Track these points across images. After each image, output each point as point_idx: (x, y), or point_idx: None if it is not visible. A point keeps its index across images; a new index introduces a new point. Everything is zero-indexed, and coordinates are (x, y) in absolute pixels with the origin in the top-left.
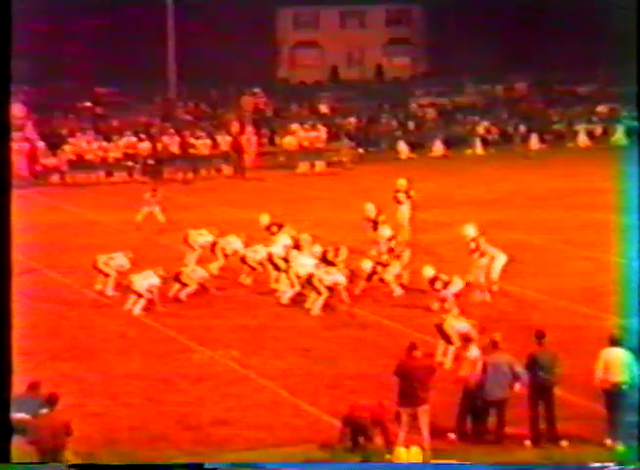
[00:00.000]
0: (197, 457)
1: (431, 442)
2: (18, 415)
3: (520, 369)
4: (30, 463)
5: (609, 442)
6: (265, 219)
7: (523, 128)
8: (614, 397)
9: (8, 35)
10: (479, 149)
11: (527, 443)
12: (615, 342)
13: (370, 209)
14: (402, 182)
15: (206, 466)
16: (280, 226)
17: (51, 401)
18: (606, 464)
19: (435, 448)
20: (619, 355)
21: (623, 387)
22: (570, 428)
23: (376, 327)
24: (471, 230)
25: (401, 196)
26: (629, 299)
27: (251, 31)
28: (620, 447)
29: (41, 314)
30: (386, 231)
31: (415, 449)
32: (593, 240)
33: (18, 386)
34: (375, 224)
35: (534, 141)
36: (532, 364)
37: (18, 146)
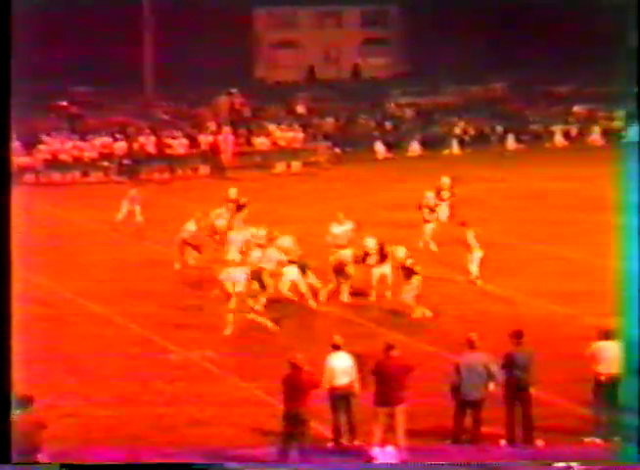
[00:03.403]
0: (172, 458)
1: (406, 441)
2: None
3: (495, 369)
4: (30, 463)
5: (587, 439)
6: (263, 232)
7: (499, 129)
8: (606, 390)
9: (8, 35)
10: (455, 149)
11: (503, 442)
12: (605, 335)
13: (371, 244)
14: (446, 180)
15: (207, 466)
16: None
17: (25, 403)
18: (570, 463)
19: (411, 448)
20: (611, 348)
21: (617, 379)
22: (546, 427)
23: (349, 327)
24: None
25: (445, 194)
26: (610, 297)
27: (228, 31)
28: (599, 442)
29: (15, 315)
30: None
31: (390, 449)
32: (569, 239)
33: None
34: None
35: (511, 141)
36: (509, 364)
37: None
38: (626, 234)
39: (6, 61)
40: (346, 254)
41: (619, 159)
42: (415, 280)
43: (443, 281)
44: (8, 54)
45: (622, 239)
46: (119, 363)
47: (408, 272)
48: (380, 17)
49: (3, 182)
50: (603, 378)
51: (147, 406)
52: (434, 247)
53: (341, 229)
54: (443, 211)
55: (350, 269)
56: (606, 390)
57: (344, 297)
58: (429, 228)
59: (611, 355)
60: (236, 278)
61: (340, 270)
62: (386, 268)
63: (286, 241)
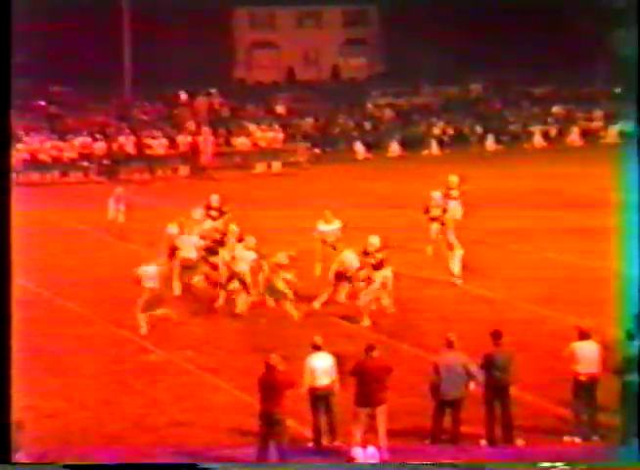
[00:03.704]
0: (152, 458)
1: (387, 441)
2: None
3: (474, 369)
4: (30, 463)
5: (567, 438)
6: (235, 231)
7: (479, 129)
8: (585, 389)
9: (8, 35)
10: (435, 150)
11: (483, 442)
12: (584, 335)
13: (374, 242)
14: (454, 179)
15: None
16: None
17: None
18: (555, 464)
19: (392, 448)
20: (590, 348)
21: (596, 379)
22: (526, 427)
23: (332, 328)
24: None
25: (454, 193)
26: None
27: (208, 31)
28: (579, 442)
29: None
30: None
31: (371, 449)
32: (549, 239)
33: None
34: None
35: (490, 142)
36: (488, 364)
37: None
38: (609, 233)
39: (6, 61)
40: (351, 258)
41: (600, 159)
42: (380, 276)
43: (423, 281)
44: (8, 54)
45: (603, 238)
46: (99, 364)
47: (377, 265)
48: (359, 17)
49: (3, 182)
50: (582, 378)
51: (127, 407)
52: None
53: (328, 228)
54: (457, 209)
55: (356, 274)
56: (585, 389)
57: (342, 297)
58: (435, 227)
59: (589, 355)
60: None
61: (342, 276)
62: (387, 272)
63: (251, 241)
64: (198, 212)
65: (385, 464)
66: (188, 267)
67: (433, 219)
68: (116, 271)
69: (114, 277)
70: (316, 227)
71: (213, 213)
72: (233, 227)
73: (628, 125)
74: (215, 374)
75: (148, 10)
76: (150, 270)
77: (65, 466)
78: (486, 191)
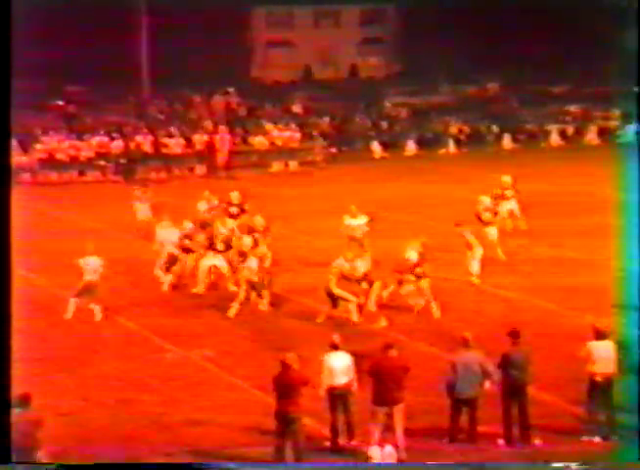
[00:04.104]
0: (168, 457)
1: (404, 441)
2: None
3: (490, 367)
4: (30, 463)
5: (585, 438)
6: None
7: (495, 128)
8: (602, 389)
9: (8, 34)
10: (452, 148)
11: (501, 441)
12: (600, 335)
13: (412, 256)
14: (507, 179)
15: (205, 466)
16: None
17: (24, 402)
18: (569, 463)
19: (409, 447)
20: (606, 348)
21: (612, 379)
22: (543, 426)
23: (349, 327)
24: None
25: (509, 193)
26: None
27: (225, 30)
28: (597, 442)
29: (13, 315)
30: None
31: (388, 448)
32: (567, 239)
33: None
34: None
35: (507, 141)
36: (506, 363)
37: None
38: (625, 233)
39: (6, 61)
40: (361, 265)
41: (617, 158)
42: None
43: (441, 280)
44: (8, 54)
45: (621, 238)
46: (116, 363)
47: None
48: (376, 16)
49: (3, 183)
50: (598, 378)
51: (143, 406)
52: (500, 252)
53: (355, 222)
54: (514, 208)
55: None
56: (601, 390)
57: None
58: (493, 232)
59: (605, 355)
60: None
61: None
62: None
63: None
64: (203, 205)
65: (402, 464)
66: (173, 263)
67: (486, 224)
68: (134, 269)
69: (131, 275)
70: (342, 222)
71: (233, 210)
72: (259, 220)
73: None
74: (232, 373)
75: (165, 9)
76: (91, 262)
77: (64, 466)
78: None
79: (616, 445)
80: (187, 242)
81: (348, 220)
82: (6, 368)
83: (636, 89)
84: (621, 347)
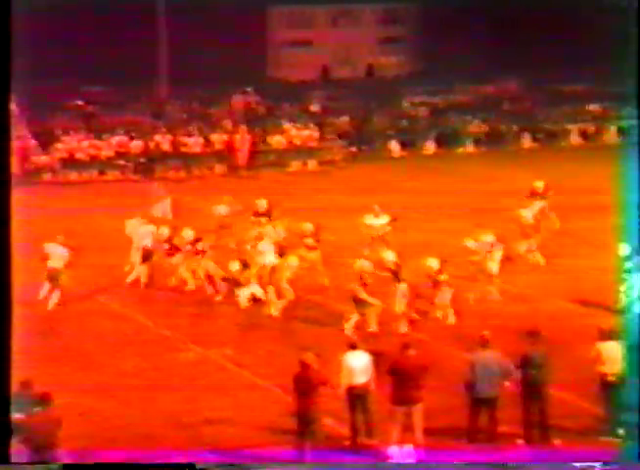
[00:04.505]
0: (188, 456)
1: (423, 440)
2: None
3: (510, 367)
4: (30, 463)
5: (602, 438)
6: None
7: (514, 127)
8: (610, 389)
9: (8, 33)
10: (470, 147)
11: (520, 441)
12: (608, 335)
13: (433, 264)
14: (539, 184)
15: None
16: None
17: (44, 400)
18: (591, 464)
19: (428, 447)
20: (615, 348)
21: (620, 379)
22: (563, 426)
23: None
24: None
25: (544, 196)
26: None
27: (243, 30)
28: (615, 442)
29: (34, 314)
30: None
31: (407, 448)
32: (585, 238)
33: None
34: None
35: (526, 140)
36: (525, 363)
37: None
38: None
39: (6, 60)
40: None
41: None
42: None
43: (460, 279)
44: (8, 54)
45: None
46: (136, 361)
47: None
48: (395, 16)
49: (3, 183)
50: (610, 378)
51: (163, 404)
52: (540, 258)
53: (377, 222)
54: (548, 211)
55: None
56: (613, 390)
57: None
58: (535, 241)
59: (613, 355)
60: None
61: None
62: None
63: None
64: (223, 209)
65: (421, 463)
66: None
67: (526, 236)
68: (154, 268)
69: (151, 274)
70: (364, 221)
71: (262, 220)
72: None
73: None
74: (252, 372)
75: (183, 8)
76: (58, 250)
77: (64, 466)
78: (520, 188)
79: (631, 444)
80: (166, 246)
81: (371, 220)
82: (6, 368)
83: None
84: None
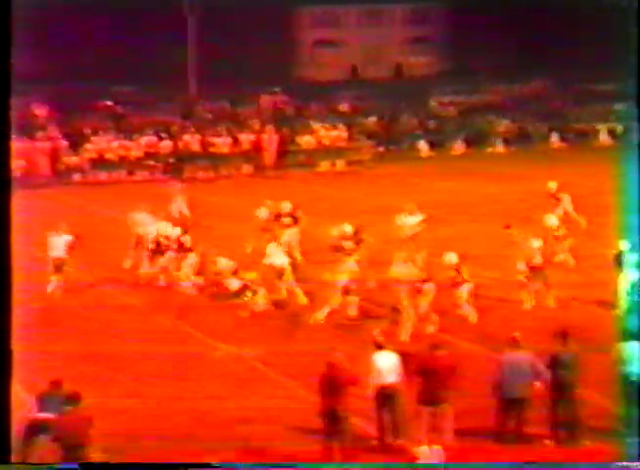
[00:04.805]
0: (216, 455)
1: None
2: (41, 414)
3: (541, 367)
4: (31, 463)
5: (630, 440)
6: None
7: (543, 127)
8: (635, 390)
9: (8, 33)
10: (499, 147)
11: (548, 442)
12: (628, 336)
13: (452, 258)
14: (553, 185)
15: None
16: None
17: (74, 399)
18: (629, 463)
19: (456, 448)
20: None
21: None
22: (592, 427)
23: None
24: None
25: (558, 196)
26: None
27: (271, 30)
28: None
29: (64, 314)
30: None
31: (435, 448)
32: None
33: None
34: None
35: (555, 139)
36: (554, 363)
37: (40, 145)
38: None
39: (6, 60)
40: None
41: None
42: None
43: (489, 280)
44: (8, 53)
45: None
46: (164, 360)
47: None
48: (423, 15)
49: (3, 182)
50: (634, 378)
51: (191, 403)
52: (569, 258)
53: (410, 220)
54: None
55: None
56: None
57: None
58: (566, 244)
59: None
60: None
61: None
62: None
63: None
64: (263, 212)
65: (449, 464)
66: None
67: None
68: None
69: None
70: (397, 219)
71: (286, 221)
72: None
73: None
74: (280, 371)
75: (212, 8)
76: (58, 240)
77: (65, 466)
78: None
79: None
80: (162, 240)
81: (403, 219)
82: (6, 369)
83: None
84: None
